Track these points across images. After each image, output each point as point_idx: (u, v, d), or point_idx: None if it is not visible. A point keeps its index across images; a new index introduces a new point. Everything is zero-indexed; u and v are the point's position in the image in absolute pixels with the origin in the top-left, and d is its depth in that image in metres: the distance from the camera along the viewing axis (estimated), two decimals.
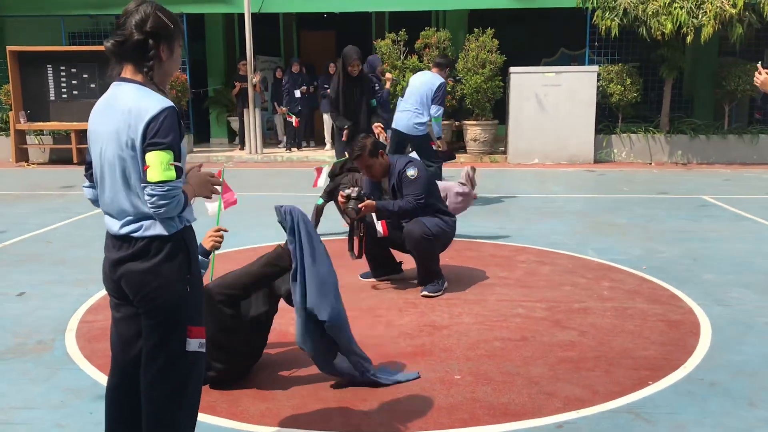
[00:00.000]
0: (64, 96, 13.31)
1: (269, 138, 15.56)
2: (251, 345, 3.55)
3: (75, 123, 12.99)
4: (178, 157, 2.23)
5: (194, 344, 2.38)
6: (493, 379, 3.53)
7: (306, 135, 14.99)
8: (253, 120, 13.43)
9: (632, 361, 3.72)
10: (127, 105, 2.23)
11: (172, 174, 2.20)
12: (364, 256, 5.01)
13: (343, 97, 6.93)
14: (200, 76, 15.63)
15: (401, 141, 7.59)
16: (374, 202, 4.66)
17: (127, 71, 2.31)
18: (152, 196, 2.19)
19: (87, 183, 2.49)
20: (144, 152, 2.20)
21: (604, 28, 12.02)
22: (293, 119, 13.84)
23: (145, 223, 2.28)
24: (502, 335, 4.13)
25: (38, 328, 4.29)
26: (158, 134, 2.19)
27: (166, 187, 2.19)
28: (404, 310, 4.57)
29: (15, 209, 8.43)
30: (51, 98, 13.31)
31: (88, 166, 2.45)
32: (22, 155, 13.45)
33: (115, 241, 2.34)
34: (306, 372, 3.62)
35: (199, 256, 3.45)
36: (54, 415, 3.18)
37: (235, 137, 15.31)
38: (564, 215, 7.75)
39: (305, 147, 14.86)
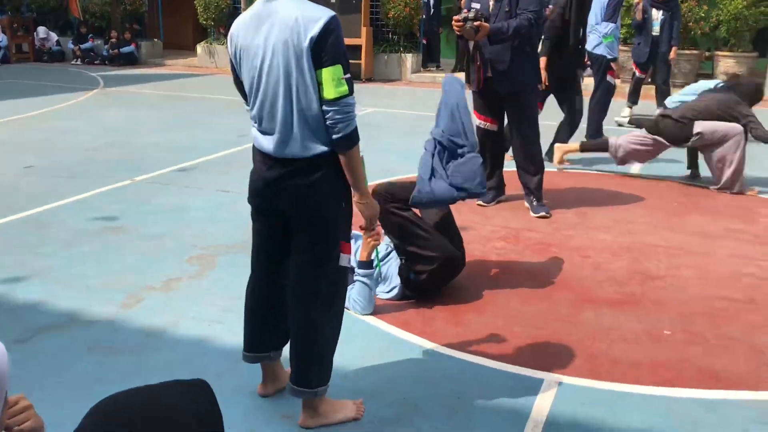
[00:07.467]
0: None
1: None
2: (444, 245, 3.53)
3: None
4: (347, 69, 2.19)
5: (345, 260, 2.43)
6: (707, 341, 3.20)
7: None
8: None
9: None
10: (291, 15, 2.17)
11: (345, 89, 2.17)
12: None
13: (575, 15, 6.49)
14: None
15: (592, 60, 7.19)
16: (488, 25, 4.58)
17: None
18: (327, 112, 2.20)
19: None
20: (316, 67, 2.17)
21: None
22: None
23: (307, 143, 2.24)
24: (727, 294, 3.71)
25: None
26: (327, 48, 2.14)
27: (342, 103, 2.17)
28: (617, 255, 4.27)
29: None
30: None
31: (242, 85, 2.37)
32: None
33: (273, 160, 2.31)
34: (502, 306, 3.55)
35: (361, 270, 3.42)
36: None
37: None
38: None
39: None
